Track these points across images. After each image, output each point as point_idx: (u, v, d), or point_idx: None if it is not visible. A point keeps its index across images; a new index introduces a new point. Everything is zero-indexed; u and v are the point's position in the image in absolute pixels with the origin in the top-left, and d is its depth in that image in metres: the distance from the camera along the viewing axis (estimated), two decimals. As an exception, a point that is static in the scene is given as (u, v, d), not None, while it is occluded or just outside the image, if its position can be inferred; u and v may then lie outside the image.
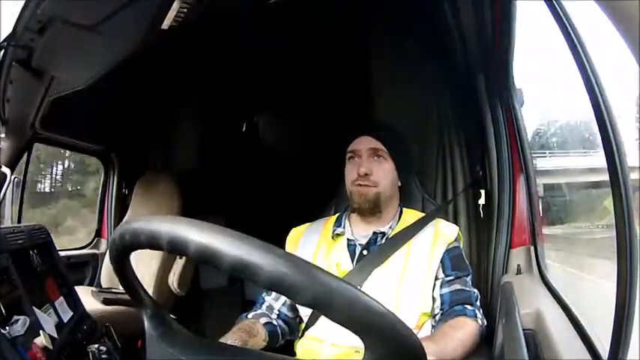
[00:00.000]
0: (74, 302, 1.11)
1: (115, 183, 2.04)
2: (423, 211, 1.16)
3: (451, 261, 1.00)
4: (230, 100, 2.21)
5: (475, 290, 1.00)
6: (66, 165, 3.69)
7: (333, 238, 1.06)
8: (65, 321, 1.01)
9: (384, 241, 1.03)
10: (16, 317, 0.81)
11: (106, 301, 1.58)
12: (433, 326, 0.97)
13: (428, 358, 0.74)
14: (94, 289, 1.74)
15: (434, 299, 0.97)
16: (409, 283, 0.96)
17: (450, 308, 0.95)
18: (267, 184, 2.32)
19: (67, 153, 3.36)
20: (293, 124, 2.46)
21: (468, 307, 0.95)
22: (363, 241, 1.04)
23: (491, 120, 1.20)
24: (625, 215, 0.55)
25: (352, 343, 0.87)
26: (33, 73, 1.07)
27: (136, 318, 0.51)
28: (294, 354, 1.01)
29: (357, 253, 1.03)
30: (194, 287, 2.00)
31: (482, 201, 1.26)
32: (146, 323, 0.49)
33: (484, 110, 1.22)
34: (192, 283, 1.95)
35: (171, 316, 0.51)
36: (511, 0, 0.98)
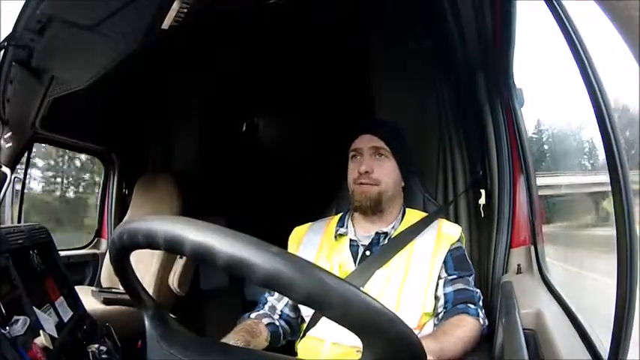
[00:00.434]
0: (74, 302, 1.11)
1: (115, 183, 2.04)
2: (424, 211, 1.16)
3: (454, 261, 1.00)
4: (230, 100, 2.21)
5: (478, 290, 1.00)
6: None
7: (335, 238, 1.06)
8: (65, 321, 1.01)
9: (386, 241, 1.03)
10: (16, 317, 0.80)
11: (106, 301, 1.58)
12: (435, 325, 0.97)
13: (428, 356, 0.74)
14: (94, 288, 1.74)
15: (437, 298, 0.97)
16: (412, 284, 0.96)
17: (452, 307, 0.95)
18: (268, 185, 2.32)
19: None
20: (293, 124, 2.47)
21: (471, 306, 0.95)
22: (366, 242, 1.04)
23: (491, 120, 1.21)
24: (625, 215, 0.55)
25: (353, 342, 0.87)
26: (33, 73, 1.06)
27: (136, 318, 0.51)
28: (295, 354, 1.01)
29: (360, 253, 1.03)
30: (194, 287, 2.00)
31: (482, 201, 1.26)
32: (147, 323, 0.49)
33: (484, 110, 1.22)
34: (193, 283, 1.95)
35: (172, 316, 0.51)
36: (511, 0, 0.98)
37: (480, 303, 0.98)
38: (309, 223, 1.15)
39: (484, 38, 1.13)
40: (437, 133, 1.38)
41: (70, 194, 3.35)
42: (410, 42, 1.43)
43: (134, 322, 0.60)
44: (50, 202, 3.11)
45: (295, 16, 1.56)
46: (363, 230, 1.07)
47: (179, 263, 1.82)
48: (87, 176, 3.16)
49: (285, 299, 1.05)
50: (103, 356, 0.92)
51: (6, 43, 0.96)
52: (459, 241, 1.04)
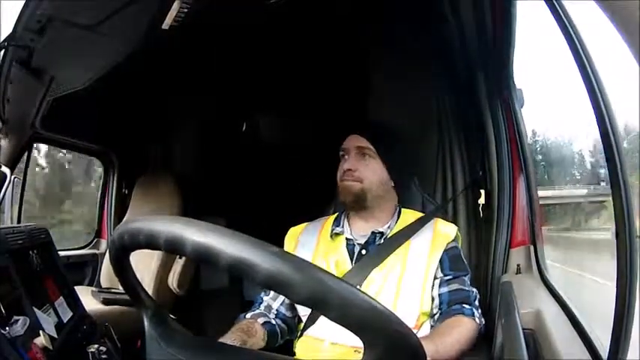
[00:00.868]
0: (74, 302, 1.11)
1: (114, 183, 2.04)
2: (423, 211, 1.16)
3: (450, 261, 1.00)
4: (230, 100, 2.21)
5: (474, 290, 1.00)
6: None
7: (332, 237, 1.07)
8: (65, 321, 1.01)
9: (382, 241, 1.03)
10: (16, 317, 0.80)
11: (105, 301, 1.58)
12: (432, 326, 0.97)
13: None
14: (93, 289, 1.74)
15: (432, 299, 0.97)
16: (408, 283, 0.96)
17: (448, 307, 0.96)
18: (268, 185, 2.32)
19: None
20: (293, 124, 2.46)
21: (466, 306, 0.95)
22: (362, 241, 1.04)
23: (491, 120, 1.20)
24: (625, 215, 0.55)
25: (352, 342, 0.87)
26: (33, 73, 1.07)
27: (136, 318, 0.51)
28: (293, 354, 1.01)
29: (356, 252, 1.03)
30: (194, 287, 2.00)
31: (482, 200, 1.26)
32: (146, 323, 0.49)
33: (484, 110, 1.22)
34: (192, 283, 1.95)
35: (171, 316, 0.51)
36: (511, 0, 0.98)
37: (476, 303, 0.98)
38: (305, 224, 1.15)
39: (484, 38, 1.13)
40: (436, 133, 1.38)
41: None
42: (410, 42, 1.43)
43: (134, 322, 0.60)
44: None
45: (295, 16, 1.55)
46: (358, 229, 1.07)
47: (179, 263, 1.82)
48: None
49: (281, 298, 1.05)
50: (103, 356, 0.92)
51: (6, 43, 0.96)
52: (454, 240, 1.04)
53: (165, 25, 1.07)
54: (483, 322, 0.96)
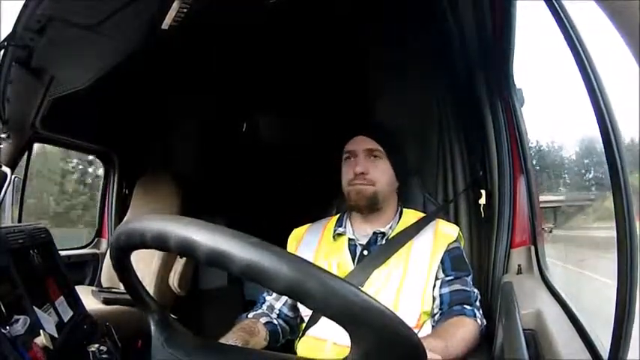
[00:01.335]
0: (74, 302, 1.11)
1: (115, 183, 2.04)
2: (424, 211, 1.16)
3: (451, 261, 1.00)
4: (230, 100, 2.21)
5: (475, 290, 1.00)
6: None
7: (334, 238, 1.06)
8: (65, 321, 1.01)
9: (384, 241, 1.03)
10: (16, 317, 0.81)
11: (106, 301, 1.58)
12: (433, 326, 0.97)
13: (435, 354, 0.74)
14: (94, 288, 1.74)
15: (434, 299, 0.97)
16: (410, 283, 0.96)
17: (449, 308, 0.95)
18: (268, 185, 2.32)
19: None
20: (293, 123, 2.46)
21: (467, 306, 0.95)
22: (364, 241, 1.04)
23: (491, 120, 1.20)
24: (625, 214, 0.55)
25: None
26: (33, 73, 1.06)
27: (136, 318, 0.51)
28: (294, 354, 1.01)
29: (358, 253, 1.03)
30: (194, 287, 2.00)
31: (482, 201, 1.26)
32: (152, 328, 0.49)
33: (484, 110, 1.21)
34: (192, 283, 1.95)
35: (172, 316, 0.51)
36: (511, 0, 0.98)
37: (477, 303, 0.98)
38: (308, 225, 1.15)
39: (484, 38, 1.13)
40: (437, 132, 1.38)
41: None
42: (410, 41, 1.43)
43: (134, 322, 0.60)
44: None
45: (295, 15, 1.55)
46: (360, 230, 1.07)
47: (179, 263, 1.82)
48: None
49: (284, 298, 1.05)
50: (103, 356, 0.92)
51: (6, 43, 0.96)
52: (456, 240, 1.04)
53: (165, 25, 1.07)
54: (484, 323, 0.96)
